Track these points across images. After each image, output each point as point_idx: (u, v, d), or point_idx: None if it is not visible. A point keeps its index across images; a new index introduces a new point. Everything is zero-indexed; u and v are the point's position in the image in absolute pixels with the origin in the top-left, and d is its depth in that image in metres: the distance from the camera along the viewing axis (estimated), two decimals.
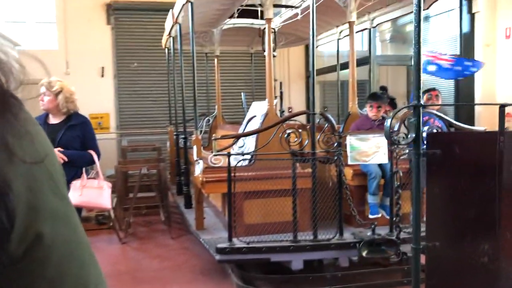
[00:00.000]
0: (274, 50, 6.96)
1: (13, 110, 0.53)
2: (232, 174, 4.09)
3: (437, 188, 1.92)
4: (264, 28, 7.18)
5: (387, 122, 1.87)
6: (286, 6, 6.80)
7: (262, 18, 7.89)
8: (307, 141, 4.03)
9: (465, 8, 11.01)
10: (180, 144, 7.22)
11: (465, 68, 5.05)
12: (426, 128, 4.32)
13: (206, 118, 8.47)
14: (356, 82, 5.44)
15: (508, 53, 10.64)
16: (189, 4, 4.79)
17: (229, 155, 3.99)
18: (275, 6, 5.94)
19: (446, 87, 11.04)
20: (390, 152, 4.09)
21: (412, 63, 1.99)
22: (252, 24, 8.09)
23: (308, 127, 5.25)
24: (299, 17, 6.76)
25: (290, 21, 7.05)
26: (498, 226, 1.96)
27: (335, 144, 4.02)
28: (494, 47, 10.98)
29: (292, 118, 4.80)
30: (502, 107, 1.92)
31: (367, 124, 5.02)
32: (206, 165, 4.74)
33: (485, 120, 11.16)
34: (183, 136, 6.55)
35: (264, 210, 4.48)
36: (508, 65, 10.68)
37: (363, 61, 11.35)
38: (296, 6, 6.70)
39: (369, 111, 5.05)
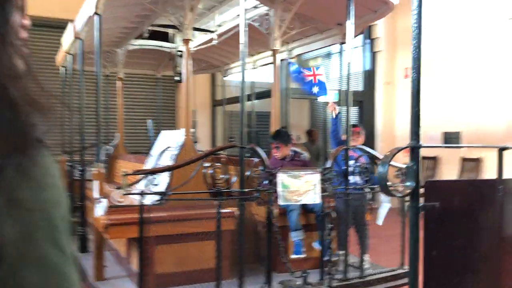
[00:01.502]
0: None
1: (32, 154, 0.54)
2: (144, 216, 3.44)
3: (435, 250, 1.56)
4: (177, 52, 6.67)
5: (381, 168, 1.46)
6: (203, 30, 6.35)
7: (173, 41, 7.42)
8: (235, 178, 3.53)
9: (368, 47, 11.45)
10: (75, 176, 6.32)
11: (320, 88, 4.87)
12: (351, 163, 4.08)
13: (105, 147, 7.61)
14: (278, 114, 5.10)
15: (406, 91, 11.18)
16: (96, 17, 4.13)
17: (142, 193, 3.35)
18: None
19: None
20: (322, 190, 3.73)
21: (410, 99, 1.59)
22: (161, 46, 7.52)
23: (221, 160, 4.77)
24: (214, 42, 6.36)
25: (205, 46, 6.61)
26: None
27: (266, 182, 3.58)
28: (394, 85, 11.51)
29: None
30: (501, 150, 1.61)
31: (277, 162, 4.68)
32: (110, 204, 4.02)
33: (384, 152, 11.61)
34: (80, 168, 5.69)
35: (179, 256, 3.87)
36: (406, 103, 11.19)
37: (270, 93, 11.24)
38: (212, 30, 6.29)
39: None
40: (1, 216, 0.50)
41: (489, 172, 9.13)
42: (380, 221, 4.33)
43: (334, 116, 4.74)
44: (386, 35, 11.34)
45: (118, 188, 4.41)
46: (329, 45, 5.93)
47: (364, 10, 4.62)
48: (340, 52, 5.49)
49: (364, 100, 11.56)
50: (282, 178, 3.64)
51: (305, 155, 4.76)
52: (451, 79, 10.11)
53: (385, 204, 4.32)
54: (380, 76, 11.42)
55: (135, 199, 4.35)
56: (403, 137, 11.29)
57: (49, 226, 0.54)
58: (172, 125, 10.91)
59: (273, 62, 5.16)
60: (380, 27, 11.12)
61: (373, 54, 11.47)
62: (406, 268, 4.23)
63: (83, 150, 5.70)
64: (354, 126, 4.91)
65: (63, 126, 7.69)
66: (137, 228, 3.56)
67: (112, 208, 3.99)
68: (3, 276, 0.49)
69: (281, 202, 3.64)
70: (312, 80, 4.77)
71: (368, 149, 4.08)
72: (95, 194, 4.07)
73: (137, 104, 10.87)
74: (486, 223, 1.57)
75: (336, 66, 13.81)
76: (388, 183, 2.09)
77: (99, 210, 3.91)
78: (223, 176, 3.57)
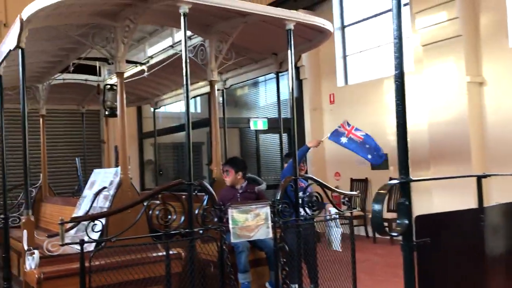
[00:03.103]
0: (116, 109, 6.13)
1: None
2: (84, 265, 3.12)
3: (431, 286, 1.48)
4: (106, 85, 6.36)
5: (376, 206, 1.36)
6: (132, 62, 6.11)
7: (99, 74, 7.10)
8: (182, 218, 3.32)
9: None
10: None
11: (376, 151, 4.99)
12: (300, 194, 4.01)
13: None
14: (219, 145, 4.96)
15: (332, 116, 11.52)
16: (19, 51, 3.79)
17: (83, 242, 3.04)
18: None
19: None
20: (274, 224, 3.62)
21: (396, 133, 1.52)
22: (86, 80, 7.15)
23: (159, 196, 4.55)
24: (145, 74, 6.13)
25: (134, 78, 6.35)
26: None
27: (215, 219, 3.40)
28: (320, 111, 11.81)
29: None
30: (480, 178, 1.60)
31: (229, 194, 4.56)
32: (41, 254, 3.64)
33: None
34: (1, 215, 5.15)
35: None
36: (333, 127, 11.50)
37: (200, 123, 11.09)
38: (143, 62, 6.08)
39: None
40: None
41: (417, 194, 9.50)
42: (337, 247, 4.29)
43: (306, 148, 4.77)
44: (310, 63, 11.67)
45: (50, 236, 4.02)
46: (263, 75, 5.93)
47: (300, 39, 4.67)
48: (277, 81, 5.51)
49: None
50: (232, 213, 3.48)
51: (262, 186, 4.63)
52: (375, 101, 10.54)
53: (336, 229, 4.30)
54: (307, 103, 11.68)
55: (69, 247, 3.98)
56: (333, 161, 11.56)
57: None
58: (98, 162, 10.38)
59: (211, 93, 5.04)
60: (304, 55, 11.42)
61: (299, 82, 11.73)
62: None
63: (5, 193, 5.16)
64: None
65: None
66: (75, 280, 3.23)
67: (45, 260, 3.61)
68: None
69: (233, 239, 3.48)
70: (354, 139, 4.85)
71: (317, 178, 4.04)
72: (25, 245, 3.66)
73: (61, 141, 10.24)
74: (472, 252, 1.54)
75: (264, 94, 14.02)
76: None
77: (31, 262, 3.51)
78: (170, 217, 3.36)
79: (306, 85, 11.72)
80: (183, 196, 4.13)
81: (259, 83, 14.12)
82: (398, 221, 1.44)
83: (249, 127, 11.23)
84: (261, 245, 4.24)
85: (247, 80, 6.61)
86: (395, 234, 1.41)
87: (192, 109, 14.65)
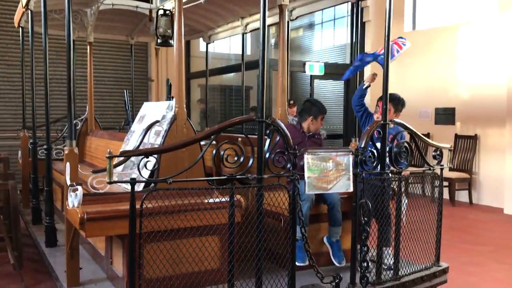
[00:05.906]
0: (169, 38, 5.55)
1: None
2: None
3: None
4: (159, 10, 5.74)
5: None
6: None
7: (151, 1, 6.48)
8: (251, 161, 2.77)
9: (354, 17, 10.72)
10: (40, 155, 5.41)
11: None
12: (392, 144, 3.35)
13: (74, 122, 6.67)
14: (286, 82, 4.34)
15: (396, 64, 10.58)
16: None
17: (134, 182, 2.55)
18: None
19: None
20: (354, 176, 3.03)
21: None
22: (137, 7, 6.56)
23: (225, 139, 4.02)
24: (202, 0, 5.46)
25: (190, 5, 5.69)
26: None
27: (288, 166, 2.84)
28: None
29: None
30: None
31: (297, 136, 3.96)
32: (85, 191, 3.21)
33: None
34: (44, 146, 4.77)
35: (173, 256, 3.11)
36: (396, 77, 10.62)
37: (251, 65, 10.40)
38: None
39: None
40: None
41: (486, 151, 8.68)
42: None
43: (364, 86, 4.07)
44: (375, 4, 10.63)
45: (95, 171, 3.59)
46: (338, 4, 5.17)
47: None
48: (356, 9, 4.78)
49: None
50: (308, 160, 2.91)
51: (324, 133, 4.09)
52: (446, 49, 9.57)
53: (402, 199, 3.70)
54: (369, 48, 10.74)
55: (115, 186, 3.56)
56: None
57: None
58: (145, 99, 10.00)
59: (280, 22, 4.35)
60: None
61: (362, 25, 10.74)
62: (443, 265, 3.62)
63: (49, 125, 4.76)
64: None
65: (24, 98, 6.71)
66: (123, 222, 2.78)
67: (89, 197, 3.18)
68: None
69: (307, 190, 2.92)
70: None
71: (409, 126, 3.39)
72: (68, 180, 3.23)
73: (108, 75, 9.85)
74: None
75: (319, 38, 13.09)
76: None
77: (73, 200, 3.08)
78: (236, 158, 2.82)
79: (369, 29, 10.74)
80: (239, 139, 3.59)
81: (314, 26, 13.20)
82: None
83: (304, 72, 10.47)
84: (326, 197, 3.70)
85: (316, 11, 5.85)
86: None
87: (240, 50, 14.00)
